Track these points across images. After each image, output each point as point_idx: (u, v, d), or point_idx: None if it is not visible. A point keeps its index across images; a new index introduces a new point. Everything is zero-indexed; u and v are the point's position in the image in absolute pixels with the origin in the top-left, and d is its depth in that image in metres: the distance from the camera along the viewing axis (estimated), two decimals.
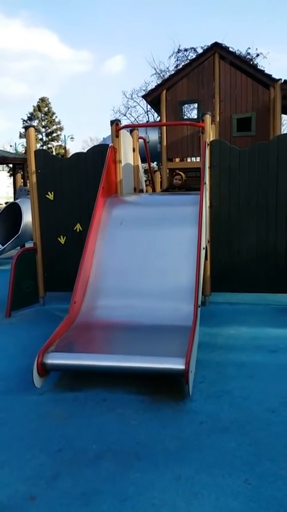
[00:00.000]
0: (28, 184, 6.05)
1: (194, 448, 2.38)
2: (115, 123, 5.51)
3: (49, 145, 45.43)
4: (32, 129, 5.56)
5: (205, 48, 10.61)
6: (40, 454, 2.37)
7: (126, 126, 6.09)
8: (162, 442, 2.45)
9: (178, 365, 2.89)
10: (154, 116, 24.42)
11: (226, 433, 2.50)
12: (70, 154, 6.23)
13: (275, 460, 2.22)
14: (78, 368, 3.18)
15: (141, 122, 24.95)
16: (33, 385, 3.05)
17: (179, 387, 3.03)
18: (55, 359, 3.10)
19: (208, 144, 5.16)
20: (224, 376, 3.27)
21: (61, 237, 5.52)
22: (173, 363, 2.93)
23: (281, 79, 9.44)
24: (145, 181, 9.33)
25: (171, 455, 2.32)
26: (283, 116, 12.29)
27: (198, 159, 10.16)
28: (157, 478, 2.13)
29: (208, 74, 9.81)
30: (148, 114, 26.23)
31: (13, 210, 9.24)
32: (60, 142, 44.46)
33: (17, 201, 9.59)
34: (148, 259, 4.32)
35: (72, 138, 37.79)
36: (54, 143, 45.88)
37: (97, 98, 72.73)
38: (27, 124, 45.68)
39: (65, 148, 37.71)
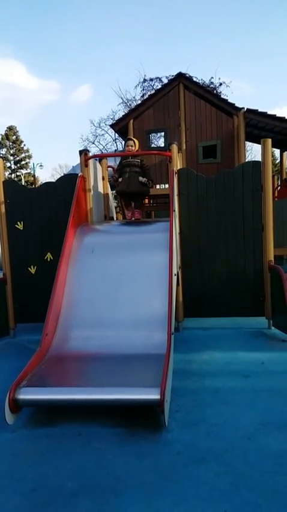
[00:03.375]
0: None
1: (172, 480, 2.34)
2: (84, 153, 5.57)
3: (18, 173, 45.34)
4: (0, 160, 5.55)
5: (170, 78, 10.94)
6: (14, 495, 2.29)
7: (95, 156, 6.16)
8: (139, 476, 2.40)
9: (152, 395, 2.86)
10: (122, 144, 24.76)
11: (203, 463, 2.49)
12: (39, 182, 6.27)
13: (252, 489, 2.22)
14: (52, 403, 3.11)
15: (109, 150, 25.27)
16: (5, 422, 2.96)
17: (155, 417, 3.00)
18: (27, 394, 3.03)
19: (175, 173, 5.27)
20: (199, 403, 3.26)
21: (31, 266, 5.47)
22: (148, 393, 2.90)
23: (244, 108, 9.81)
24: (115, 207, 9.40)
25: (149, 489, 2.28)
26: (247, 142, 12.72)
27: (167, 185, 10.32)
28: None
29: (174, 103, 10.10)
30: (116, 142, 26.63)
31: None
32: (29, 170, 44.47)
33: None
34: (120, 287, 4.32)
35: (41, 165, 37.90)
36: (23, 171, 45.88)
37: (66, 126, 73.45)
38: None
39: (34, 175, 37.71)
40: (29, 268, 5.46)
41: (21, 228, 5.48)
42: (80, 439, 2.84)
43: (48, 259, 5.40)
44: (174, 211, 4.88)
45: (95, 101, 64.32)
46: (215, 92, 19.65)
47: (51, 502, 2.22)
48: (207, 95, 10.25)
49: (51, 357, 3.67)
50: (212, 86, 23.49)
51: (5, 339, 5.39)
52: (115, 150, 23.69)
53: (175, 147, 5.39)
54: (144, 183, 5.89)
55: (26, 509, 2.17)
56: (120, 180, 5.99)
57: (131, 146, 6.04)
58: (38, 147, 67.64)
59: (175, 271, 4.35)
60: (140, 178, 5.87)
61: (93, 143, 27.90)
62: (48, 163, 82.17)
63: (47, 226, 5.43)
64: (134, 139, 6.27)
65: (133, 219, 6.10)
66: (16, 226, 5.49)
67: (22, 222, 5.48)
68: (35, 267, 5.46)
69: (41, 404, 3.20)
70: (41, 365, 3.50)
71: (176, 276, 4.59)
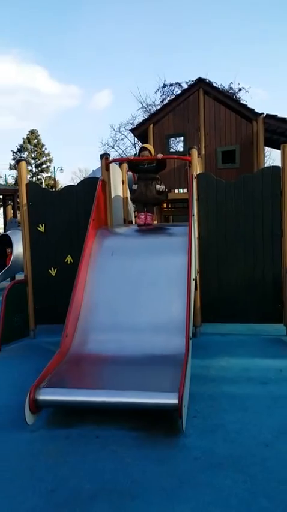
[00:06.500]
0: (19, 216, 6.12)
1: (190, 486, 2.35)
2: (105, 157, 5.62)
3: (39, 177, 45.83)
4: (23, 163, 5.64)
5: (190, 83, 10.95)
6: (33, 495, 2.32)
7: (115, 160, 6.21)
8: (157, 480, 2.41)
9: (170, 400, 2.88)
10: None
11: (221, 469, 2.48)
12: (60, 185, 6.32)
13: (270, 497, 2.21)
14: (71, 404, 3.14)
15: (129, 154, 25.36)
16: (25, 422, 3.01)
17: (173, 422, 3.01)
18: (47, 395, 3.07)
19: (194, 177, 5.28)
20: (217, 409, 3.25)
21: (52, 269, 5.53)
22: (166, 397, 2.92)
23: (263, 113, 9.76)
24: (134, 211, 9.43)
25: (166, 494, 2.29)
26: (266, 148, 12.61)
27: (185, 190, 10.31)
28: None
29: (193, 108, 10.11)
30: (135, 147, 26.66)
31: (3, 242, 9.23)
32: (49, 174, 44.94)
33: (7, 232, 9.60)
34: (139, 290, 4.34)
35: (61, 169, 38.40)
36: (44, 174, 46.36)
37: (86, 131, 74.02)
38: (17, 156, 46.24)
39: (54, 179, 38.12)
40: (50, 270, 5.53)
41: (43, 231, 5.55)
42: (98, 441, 2.86)
43: (69, 262, 5.45)
44: (193, 216, 4.89)
45: (115, 106, 64.78)
46: (234, 97, 19.53)
47: (69, 503, 2.24)
48: (227, 100, 10.22)
49: (71, 359, 3.71)
50: (231, 91, 23.37)
51: (25, 339, 5.46)
52: (135, 154, 23.75)
53: (194, 152, 5.40)
54: (161, 191, 5.71)
55: (44, 510, 2.20)
56: (135, 187, 5.81)
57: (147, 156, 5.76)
58: (59, 151, 68.22)
59: (193, 275, 4.35)
60: (157, 187, 5.67)
61: (113, 148, 28.03)
62: (69, 168, 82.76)
63: (68, 229, 5.49)
64: (148, 147, 5.97)
65: (145, 223, 5.76)
66: (38, 228, 5.56)
67: (43, 225, 5.55)
68: (56, 269, 5.51)
69: (61, 405, 3.24)
70: (60, 366, 3.54)
71: (194, 281, 4.59)
